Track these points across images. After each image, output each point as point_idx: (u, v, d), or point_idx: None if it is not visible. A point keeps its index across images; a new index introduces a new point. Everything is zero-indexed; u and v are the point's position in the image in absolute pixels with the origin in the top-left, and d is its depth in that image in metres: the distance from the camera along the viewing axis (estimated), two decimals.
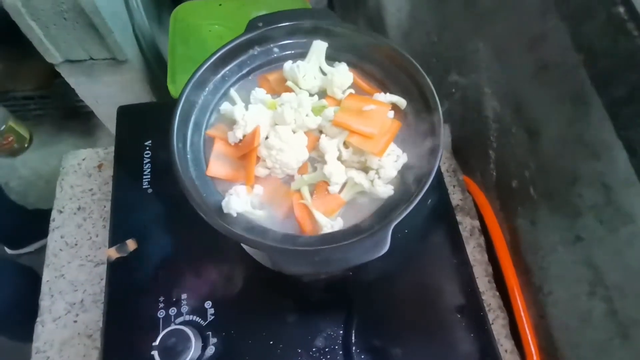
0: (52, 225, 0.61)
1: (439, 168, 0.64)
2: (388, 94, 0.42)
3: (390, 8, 0.96)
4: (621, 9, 0.37)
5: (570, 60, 0.43)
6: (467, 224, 0.63)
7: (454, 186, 0.66)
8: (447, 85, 0.72)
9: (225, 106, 0.43)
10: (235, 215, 0.37)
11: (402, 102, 0.43)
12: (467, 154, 0.69)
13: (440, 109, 0.39)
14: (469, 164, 0.68)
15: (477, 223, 0.63)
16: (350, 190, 0.40)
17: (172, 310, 0.48)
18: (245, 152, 0.40)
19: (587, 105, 0.42)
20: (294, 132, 0.39)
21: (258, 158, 0.40)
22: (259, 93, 0.42)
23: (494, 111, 0.60)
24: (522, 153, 0.54)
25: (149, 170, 0.57)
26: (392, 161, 0.39)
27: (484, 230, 0.62)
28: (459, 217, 0.61)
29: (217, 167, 0.41)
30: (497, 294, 0.57)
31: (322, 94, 0.45)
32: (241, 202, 0.37)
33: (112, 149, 0.61)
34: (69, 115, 1.32)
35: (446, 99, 0.73)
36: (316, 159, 0.41)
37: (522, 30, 0.50)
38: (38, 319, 0.55)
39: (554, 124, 0.48)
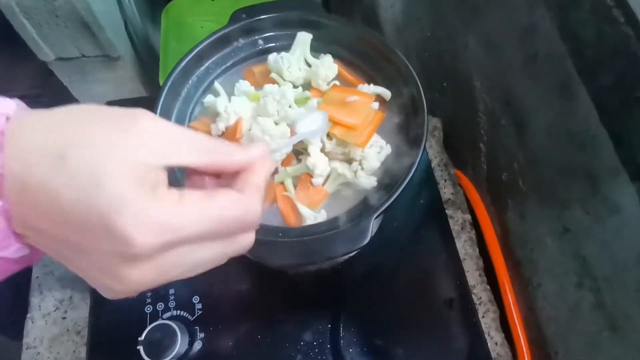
0: None
1: (428, 162, 0.64)
2: (372, 85, 0.42)
3: (385, 3, 0.96)
4: None
5: (557, 51, 0.42)
6: (458, 218, 0.62)
7: (445, 180, 0.66)
8: (439, 79, 0.72)
9: (209, 98, 0.42)
10: None
11: (386, 93, 0.42)
12: (458, 147, 0.69)
13: (424, 99, 0.39)
14: (460, 157, 0.68)
15: (468, 217, 0.63)
16: (334, 181, 0.39)
17: (160, 306, 0.48)
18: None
19: (573, 96, 0.41)
20: (277, 123, 0.39)
21: None
22: (243, 85, 0.42)
23: (484, 104, 0.59)
24: (512, 146, 0.54)
25: None
26: (375, 152, 0.39)
27: (476, 224, 0.62)
28: (450, 211, 0.61)
29: None
30: (488, 287, 0.57)
31: (307, 85, 0.44)
32: None
33: None
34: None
35: (438, 93, 0.73)
36: (300, 151, 0.41)
37: (510, 22, 0.50)
38: (28, 315, 0.55)
39: (542, 115, 0.48)
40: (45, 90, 1.22)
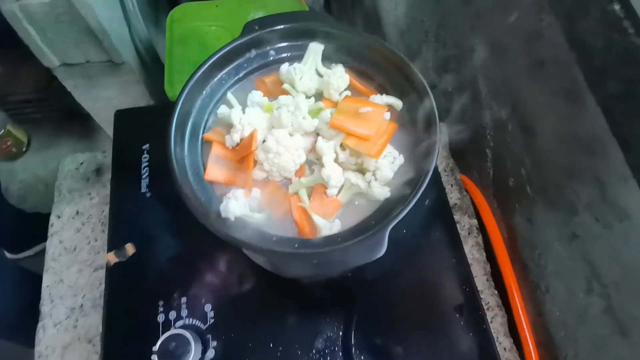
0: (50, 230, 0.61)
1: (435, 168, 0.64)
2: (384, 95, 0.43)
3: (387, 6, 0.96)
4: (616, 7, 0.37)
5: (564, 58, 0.43)
6: (465, 223, 0.63)
7: (451, 185, 0.66)
8: (444, 83, 0.72)
9: (222, 109, 0.43)
10: (233, 219, 0.37)
11: (398, 103, 0.43)
12: (464, 152, 0.69)
13: (436, 110, 0.40)
14: (466, 162, 0.69)
15: (475, 222, 0.63)
16: (348, 191, 0.40)
17: (172, 314, 0.48)
18: (243, 156, 0.40)
19: (581, 102, 0.42)
20: (291, 135, 0.39)
21: (255, 161, 0.40)
22: (256, 96, 0.42)
23: (491, 109, 0.60)
24: (518, 150, 0.54)
25: (147, 174, 0.57)
26: (388, 163, 0.39)
27: (482, 228, 0.62)
28: (457, 216, 0.62)
29: (215, 171, 0.41)
30: (496, 292, 0.58)
31: (319, 95, 0.45)
32: (239, 205, 0.37)
33: (110, 152, 0.62)
34: (67, 118, 1.31)
35: (444, 98, 0.73)
36: (313, 161, 0.42)
37: (517, 28, 0.51)
38: (39, 324, 0.55)
39: (549, 120, 0.48)
40: (49, 95, 1.22)
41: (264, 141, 0.40)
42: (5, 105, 1.22)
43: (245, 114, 0.40)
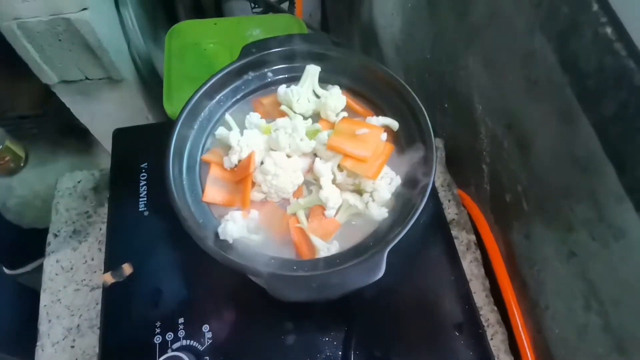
0: (47, 249, 0.60)
1: (432, 184, 0.64)
2: (381, 116, 0.43)
3: (382, 23, 0.97)
4: (608, 29, 0.37)
5: (557, 78, 0.43)
6: (463, 238, 0.63)
7: (449, 200, 0.67)
8: (439, 99, 0.73)
9: (220, 131, 0.43)
10: (231, 241, 0.37)
11: (394, 124, 0.43)
12: (461, 167, 0.69)
13: (432, 132, 0.40)
14: (463, 177, 0.69)
15: (473, 237, 0.63)
16: (346, 212, 0.40)
17: (169, 335, 0.48)
18: (241, 178, 0.40)
19: (576, 122, 0.42)
20: (289, 156, 0.40)
21: (253, 183, 0.41)
22: (254, 118, 0.43)
23: (486, 126, 0.60)
24: (514, 167, 0.55)
25: (145, 192, 0.57)
26: (386, 184, 0.39)
27: (480, 243, 0.62)
28: (454, 232, 0.62)
29: (213, 193, 0.41)
30: (495, 308, 0.58)
31: (316, 116, 0.45)
32: (237, 228, 0.38)
33: (108, 170, 0.62)
34: (65, 133, 1.32)
35: (439, 113, 0.74)
36: (311, 182, 0.42)
37: (511, 47, 0.51)
38: (38, 343, 0.55)
39: (544, 138, 0.49)
40: (47, 110, 1.22)
41: (262, 163, 0.40)
42: (3, 121, 1.22)
43: (243, 135, 0.41)
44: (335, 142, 0.40)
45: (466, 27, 0.61)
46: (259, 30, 0.89)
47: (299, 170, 0.39)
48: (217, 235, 0.38)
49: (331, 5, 1.29)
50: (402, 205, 0.39)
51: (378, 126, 0.42)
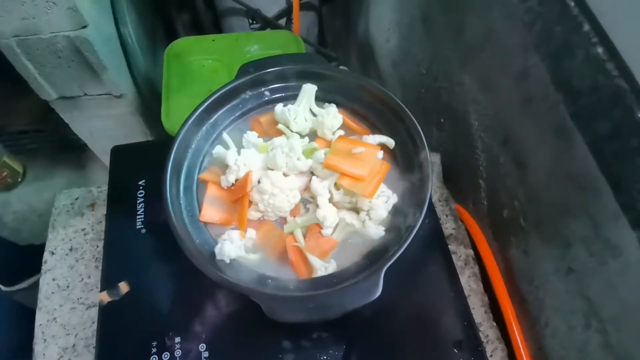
0: (44, 267, 0.60)
1: (430, 199, 0.64)
2: (377, 135, 0.43)
3: (379, 38, 0.98)
4: (600, 49, 0.38)
5: (552, 97, 0.44)
6: (461, 253, 0.63)
7: (446, 215, 0.67)
8: (436, 115, 0.73)
9: (218, 149, 0.43)
10: (228, 261, 0.37)
11: (390, 142, 0.43)
12: (458, 182, 0.70)
13: (428, 151, 0.40)
14: (460, 192, 0.69)
15: (471, 252, 0.63)
16: (342, 230, 0.40)
17: (165, 355, 0.47)
18: (238, 197, 0.40)
19: (571, 139, 0.43)
20: (286, 175, 0.40)
21: (250, 202, 0.41)
22: (251, 136, 0.43)
23: (482, 141, 0.61)
24: (511, 183, 0.55)
25: (142, 210, 0.57)
26: (382, 202, 0.40)
27: (479, 259, 0.62)
28: (452, 247, 0.62)
29: (210, 213, 0.41)
30: (495, 324, 0.57)
31: (313, 134, 0.45)
32: (234, 248, 0.37)
33: (105, 187, 0.62)
34: (63, 149, 1.32)
35: (436, 128, 0.74)
36: (308, 200, 0.42)
37: (506, 65, 0.52)
38: None
39: (541, 155, 0.49)
40: (46, 126, 1.23)
41: (259, 182, 0.40)
42: (2, 136, 1.22)
43: (241, 154, 0.41)
44: (332, 161, 0.40)
45: (461, 45, 0.61)
46: (257, 46, 0.90)
47: (296, 189, 0.39)
48: (213, 255, 0.38)
49: (328, 21, 1.31)
50: (399, 223, 0.39)
51: (374, 144, 0.42)
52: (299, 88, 0.45)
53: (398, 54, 0.89)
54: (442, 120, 0.72)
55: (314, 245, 0.39)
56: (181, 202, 0.40)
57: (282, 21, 1.10)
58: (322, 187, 0.39)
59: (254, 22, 1.09)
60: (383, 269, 0.35)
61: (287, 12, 1.09)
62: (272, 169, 0.40)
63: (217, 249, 0.38)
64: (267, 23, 1.08)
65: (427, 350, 0.50)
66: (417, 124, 0.42)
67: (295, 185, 0.39)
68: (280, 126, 0.44)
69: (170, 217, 0.38)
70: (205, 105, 0.43)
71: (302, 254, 0.39)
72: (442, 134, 0.73)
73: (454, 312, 0.52)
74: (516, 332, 0.54)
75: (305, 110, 0.45)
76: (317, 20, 1.20)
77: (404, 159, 0.43)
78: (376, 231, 0.39)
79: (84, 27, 0.79)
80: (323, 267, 0.38)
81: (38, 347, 0.55)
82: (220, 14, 1.14)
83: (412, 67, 0.82)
